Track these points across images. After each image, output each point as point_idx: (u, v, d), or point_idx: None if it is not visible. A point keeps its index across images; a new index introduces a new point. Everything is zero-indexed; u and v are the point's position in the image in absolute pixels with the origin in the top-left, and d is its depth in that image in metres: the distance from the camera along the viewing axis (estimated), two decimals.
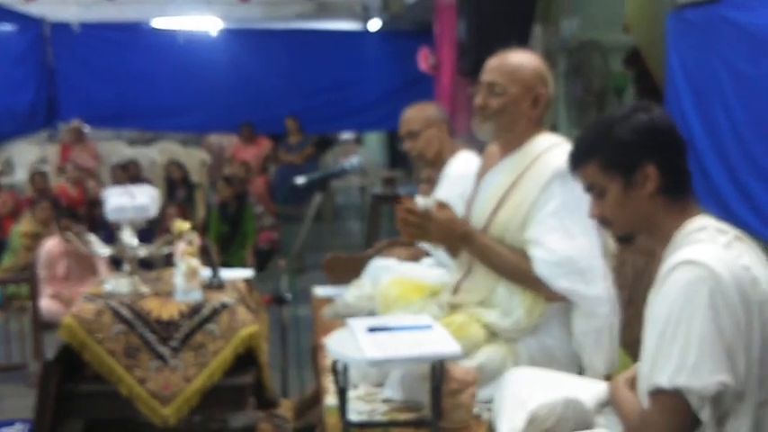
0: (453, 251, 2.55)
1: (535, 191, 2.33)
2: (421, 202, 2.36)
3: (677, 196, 1.64)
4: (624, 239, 1.77)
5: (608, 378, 2.24)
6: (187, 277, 2.45)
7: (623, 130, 1.63)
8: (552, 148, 2.38)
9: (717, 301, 1.47)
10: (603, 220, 1.72)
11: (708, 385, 1.45)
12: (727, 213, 3.14)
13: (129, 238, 2.58)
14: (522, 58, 2.42)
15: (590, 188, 1.71)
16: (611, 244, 2.44)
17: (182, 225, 2.51)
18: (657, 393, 1.52)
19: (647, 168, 1.62)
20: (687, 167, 1.67)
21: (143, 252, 2.58)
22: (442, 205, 2.42)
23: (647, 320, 1.63)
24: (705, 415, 1.47)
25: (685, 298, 1.49)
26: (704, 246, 1.55)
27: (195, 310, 2.46)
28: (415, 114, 3.27)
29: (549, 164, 2.33)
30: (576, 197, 2.28)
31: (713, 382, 1.45)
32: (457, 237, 2.39)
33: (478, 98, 2.43)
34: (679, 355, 1.48)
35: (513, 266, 2.34)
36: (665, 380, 1.49)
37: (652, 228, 1.67)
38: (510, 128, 2.41)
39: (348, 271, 3.55)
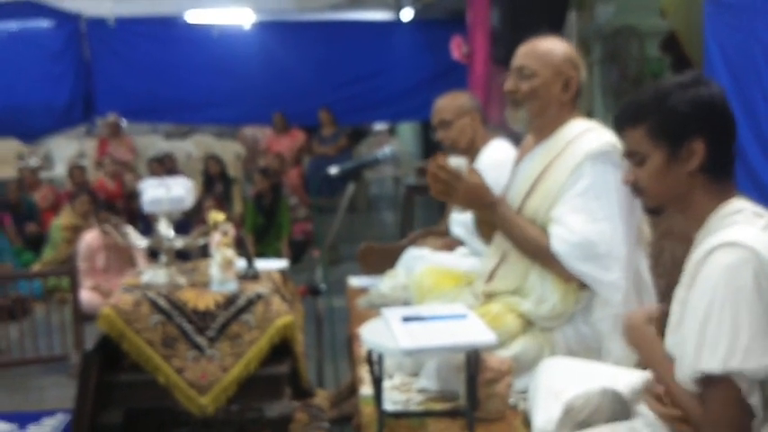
0: (480, 223, 2.55)
1: (566, 173, 2.31)
2: (454, 161, 2.37)
3: (718, 178, 1.60)
4: (653, 211, 1.71)
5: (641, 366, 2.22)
6: (222, 268, 2.46)
7: (680, 100, 1.57)
8: (585, 133, 2.36)
9: (762, 282, 1.44)
10: (636, 188, 1.67)
11: (761, 367, 1.42)
12: (765, 198, 3.09)
13: (165, 229, 2.60)
14: (551, 43, 2.43)
15: (630, 154, 1.66)
16: (647, 231, 2.41)
17: (217, 216, 2.53)
18: (711, 382, 1.48)
19: (695, 143, 1.57)
20: (733, 152, 1.62)
21: (179, 243, 2.60)
22: (474, 170, 2.42)
23: (678, 305, 1.60)
24: (755, 400, 1.44)
25: (729, 280, 1.45)
26: (743, 227, 1.51)
27: (231, 300, 2.48)
28: (448, 103, 3.25)
29: (581, 148, 2.32)
30: (606, 180, 2.26)
31: (766, 363, 1.42)
32: (483, 203, 2.38)
33: (508, 82, 2.42)
34: (729, 338, 1.44)
35: (532, 240, 2.33)
36: (715, 365, 1.45)
37: (684, 205, 1.63)
38: (541, 113, 2.40)
39: (382, 261, 3.56)
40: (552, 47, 2.41)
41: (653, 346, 1.66)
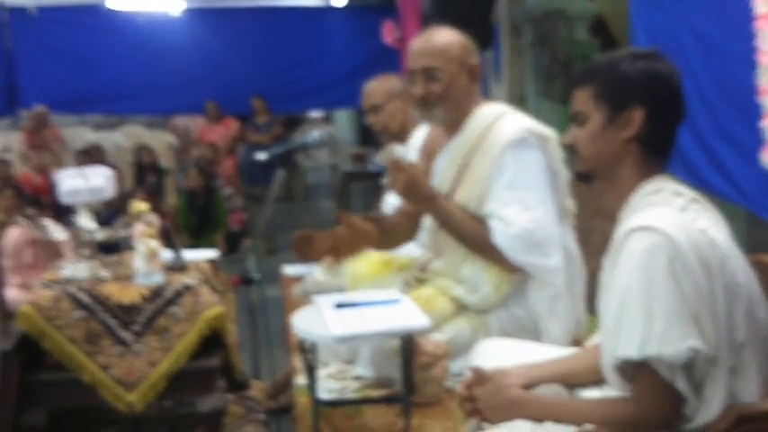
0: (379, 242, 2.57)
1: (488, 166, 2.31)
2: (398, 150, 2.37)
3: (650, 154, 1.60)
4: (583, 177, 1.71)
5: (577, 343, 2.24)
6: (147, 259, 2.38)
7: (630, 67, 1.57)
8: (498, 120, 2.36)
9: (676, 267, 1.43)
10: (572, 149, 1.66)
11: (678, 351, 1.41)
12: (695, 178, 3.14)
13: (85, 221, 2.50)
14: (446, 35, 2.41)
15: (574, 116, 1.65)
16: (570, 204, 2.43)
17: (139, 206, 2.44)
18: (633, 370, 1.47)
19: (634, 112, 1.56)
20: (673, 136, 1.62)
21: (100, 236, 2.50)
22: (414, 163, 2.42)
23: (603, 288, 1.60)
24: (681, 384, 1.44)
25: (643, 266, 1.44)
26: (659, 210, 1.51)
27: (157, 293, 2.39)
28: (377, 87, 3.23)
29: (498, 137, 2.32)
30: (528, 166, 2.28)
31: (683, 348, 1.41)
32: (421, 196, 2.35)
33: (418, 88, 2.39)
34: (644, 324, 1.43)
35: (474, 234, 2.32)
36: (632, 352, 1.44)
37: (611, 174, 1.62)
38: (455, 107, 2.39)
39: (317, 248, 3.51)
40: (448, 39, 2.39)
41: (537, 405, 1.61)
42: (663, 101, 1.58)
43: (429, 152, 2.58)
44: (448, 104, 2.37)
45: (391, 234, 2.77)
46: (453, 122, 2.42)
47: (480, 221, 2.32)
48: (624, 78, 1.57)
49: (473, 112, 2.40)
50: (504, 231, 2.25)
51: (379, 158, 2.40)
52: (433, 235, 2.50)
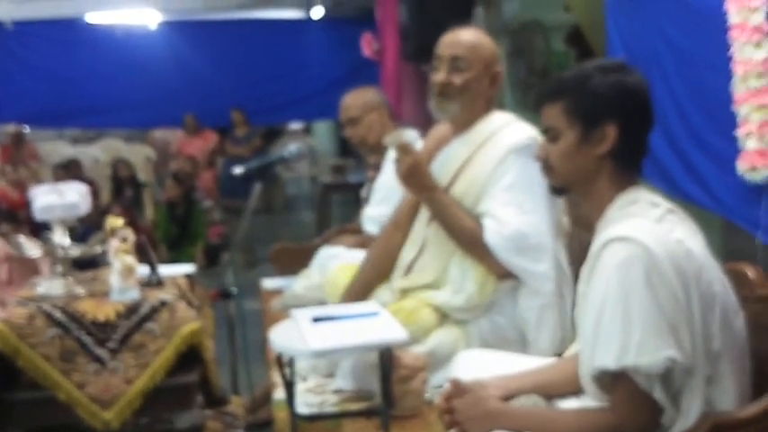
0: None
1: (490, 166, 2.32)
2: (408, 134, 2.38)
3: (625, 167, 1.60)
4: (557, 191, 1.72)
5: (558, 356, 2.23)
6: (123, 276, 2.35)
7: (600, 82, 1.57)
8: (506, 126, 2.39)
9: (652, 277, 1.43)
10: (546, 165, 1.66)
11: (656, 362, 1.41)
12: (672, 187, 3.16)
13: (59, 237, 2.47)
14: (479, 36, 2.42)
15: (546, 130, 1.65)
16: (565, 221, 2.44)
17: (114, 221, 2.41)
18: (611, 380, 1.48)
19: (608, 127, 1.57)
20: (645, 146, 1.62)
21: (75, 252, 2.47)
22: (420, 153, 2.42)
23: (581, 298, 1.60)
24: (659, 394, 1.44)
25: (620, 277, 1.45)
26: (636, 221, 1.51)
27: (133, 309, 2.36)
28: (354, 100, 3.23)
29: (504, 140, 2.33)
30: (531, 173, 2.28)
31: (661, 358, 1.41)
32: (422, 184, 2.35)
33: (441, 74, 2.38)
34: (621, 335, 1.43)
35: (468, 231, 2.31)
36: (610, 362, 1.44)
37: (587, 189, 1.63)
38: (469, 106, 2.39)
39: (296, 261, 3.50)
40: (481, 40, 2.40)
41: (516, 417, 1.60)
42: (634, 114, 1.59)
43: (428, 148, 2.56)
44: (464, 100, 2.37)
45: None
46: (464, 121, 2.42)
47: (475, 219, 2.32)
48: (596, 94, 1.57)
49: (484, 117, 2.40)
50: (498, 231, 2.25)
51: (388, 140, 2.39)
52: (422, 228, 2.48)
